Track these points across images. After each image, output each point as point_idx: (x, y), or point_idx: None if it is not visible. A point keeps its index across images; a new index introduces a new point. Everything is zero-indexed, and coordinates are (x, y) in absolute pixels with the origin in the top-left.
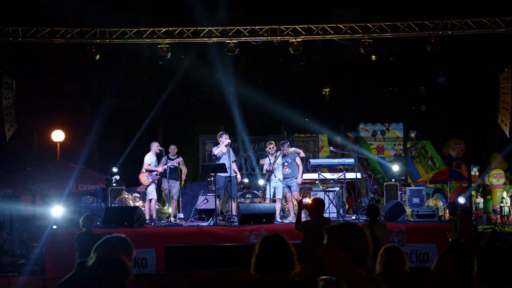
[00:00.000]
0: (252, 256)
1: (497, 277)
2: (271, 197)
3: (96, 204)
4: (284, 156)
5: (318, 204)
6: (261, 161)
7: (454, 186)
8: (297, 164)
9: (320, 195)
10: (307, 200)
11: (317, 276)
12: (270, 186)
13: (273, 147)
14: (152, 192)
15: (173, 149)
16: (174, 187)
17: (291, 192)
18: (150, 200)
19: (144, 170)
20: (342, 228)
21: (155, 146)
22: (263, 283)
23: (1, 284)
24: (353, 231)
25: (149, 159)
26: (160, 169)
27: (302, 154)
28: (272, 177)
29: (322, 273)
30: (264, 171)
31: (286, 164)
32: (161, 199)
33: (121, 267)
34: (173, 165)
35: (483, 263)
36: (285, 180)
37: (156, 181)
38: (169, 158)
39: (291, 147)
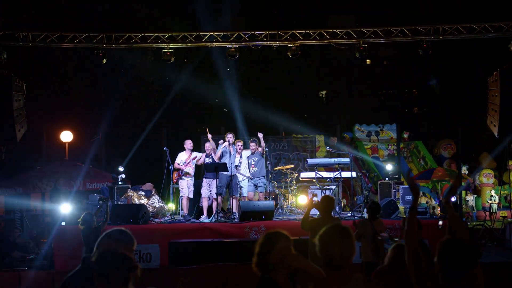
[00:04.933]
0: (254, 253)
1: (455, 273)
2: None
3: (102, 202)
4: (251, 154)
5: (329, 202)
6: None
7: (445, 184)
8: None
9: (317, 193)
10: (316, 199)
11: None
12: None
13: (240, 146)
14: (181, 189)
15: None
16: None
17: (257, 191)
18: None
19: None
20: None
21: (187, 144)
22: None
23: (12, 278)
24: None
25: (178, 157)
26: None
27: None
28: (240, 176)
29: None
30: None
31: (253, 163)
32: (165, 196)
33: (125, 261)
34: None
35: (444, 257)
36: (253, 179)
37: (185, 177)
38: (206, 156)
39: (288, 147)
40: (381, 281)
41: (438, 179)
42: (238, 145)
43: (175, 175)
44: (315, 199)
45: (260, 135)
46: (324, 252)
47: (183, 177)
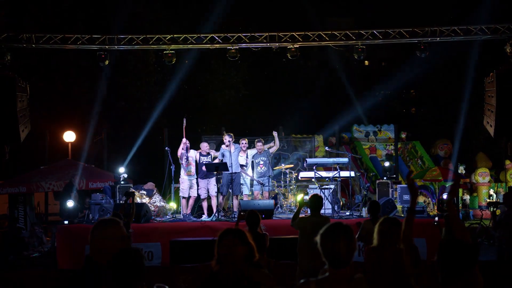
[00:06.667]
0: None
1: (455, 270)
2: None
3: (105, 201)
4: (259, 154)
5: (318, 200)
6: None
7: (441, 184)
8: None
9: (316, 192)
10: (307, 197)
11: (317, 272)
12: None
13: (245, 143)
14: (182, 190)
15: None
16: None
17: (259, 192)
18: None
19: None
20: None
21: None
22: (224, 274)
23: (14, 277)
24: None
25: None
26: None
27: (273, 148)
28: (244, 174)
29: (319, 269)
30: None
31: (261, 162)
32: (166, 195)
33: (138, 269)
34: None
35: (444, 257)
36: (259, 179)
37: (187, 176)
38: (201, 155)
39: (288, 146)
40: (374, 257)
41: (432, 178)
42: (243, 143)
43: (180, 148)
44: (305, 197)
45: (275, 133)
46: (328, 250)
47: (185, 171)
